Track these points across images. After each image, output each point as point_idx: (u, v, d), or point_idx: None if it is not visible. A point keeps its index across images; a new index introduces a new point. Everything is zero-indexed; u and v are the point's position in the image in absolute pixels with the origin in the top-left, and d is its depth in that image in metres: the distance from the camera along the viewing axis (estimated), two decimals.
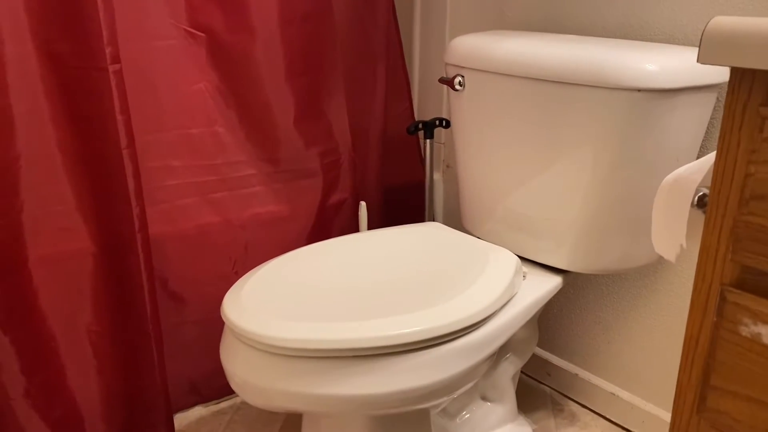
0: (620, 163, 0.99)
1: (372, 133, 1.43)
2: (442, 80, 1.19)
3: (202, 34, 1.19)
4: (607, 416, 1.31)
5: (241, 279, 0.97)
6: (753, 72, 0.50)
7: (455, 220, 1.54)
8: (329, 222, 1.39)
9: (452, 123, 1.23)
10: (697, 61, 0.51)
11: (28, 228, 1.05)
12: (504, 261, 1.02)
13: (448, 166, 1.57)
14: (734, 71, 0.52)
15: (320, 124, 1.34)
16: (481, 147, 1.16)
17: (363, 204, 1.35)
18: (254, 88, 1.25)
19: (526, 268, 1.09)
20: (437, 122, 1.41)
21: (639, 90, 0.93)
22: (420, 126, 1.40)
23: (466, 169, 1.22)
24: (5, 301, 1.01)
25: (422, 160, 1.54)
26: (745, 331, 0.53)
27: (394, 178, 1.52)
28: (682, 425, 0.61)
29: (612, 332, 1.29)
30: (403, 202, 1.54)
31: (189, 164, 1.21)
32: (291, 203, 1.34)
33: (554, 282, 1.09)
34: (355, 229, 1.41)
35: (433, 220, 1.52)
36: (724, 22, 0.50)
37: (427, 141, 1.42)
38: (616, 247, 1.06)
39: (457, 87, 1.16)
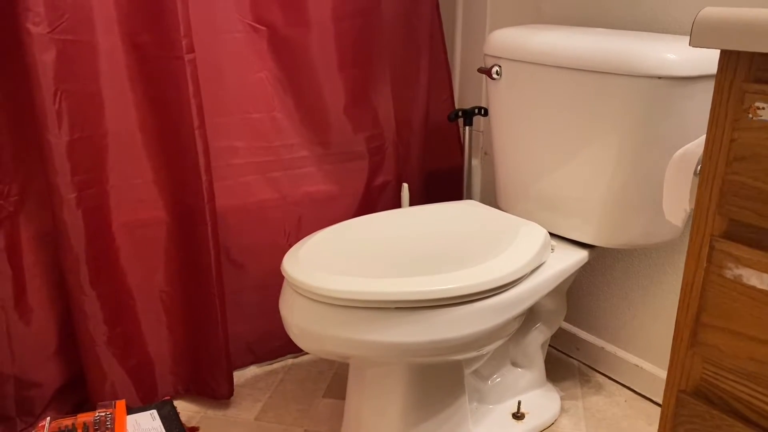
0: (643, 146, 1.08)
1: (415, 120, 1.55)
2: (481, 70, 1.30)
3: (264, 28, 1.32)
4: (632, 387, 1.40)
5: (298, 243, 1.10)
6: (737, 53, 0.60)
7: (491, 203, 1.65)
8: (374, 202, 1.51)
9: (490, 110, 1.34)
10: (690, 44, 0.61)
11: (112, 197, 1.20)
12: (533, 233, 1.13)
13: (485, 153, 1.67)
14: (723, 54, 0.62)
15: (367, 112, 1.46)
16: (516, 132, 1.27)
17: (405, 185, 1.47)
18: (309, 78, 1.38)
19: (554, 243, 1.19)
20: (476, 110, 1.52)
21: (660, 77, 1.02)
22: (460, 114, 1.51)
23: (501, 153, 1.33)
24: (94, 260, 1.16)
25: (461, 147, 1.64)
26: (729, 274, 0.63)
27: (434, 163, 1.63)
28: (679, 360, 0.70)
29: (637, 307, 1.38)
30: (442, 185, 1.65)
31: (250, 145, 1.35)
32: (339, 183, 1.46)
33: (580, 255, 1.19)
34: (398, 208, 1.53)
35: None
36: (712, 11, 0.60)
37: (467, 128, 1.53)
38: (639, 223, 1.15)
39: (495, 76, 1.27)
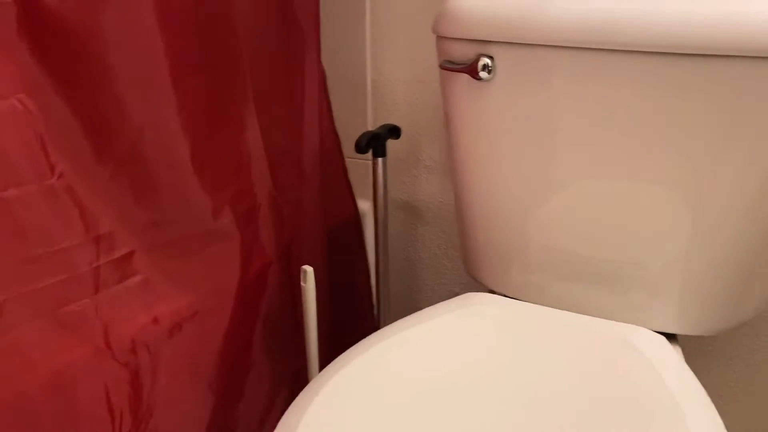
0: None
1: (305, 156, 0.93)
2: (449, 67, 0.75)
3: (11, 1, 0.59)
4: None
5: None
6: None
7: (409, 272, 1.12)
8: (253, 307, 0.87)
9: (458, 128, 0.80)
10: None
11: None
12: (666, 359, 0.63)
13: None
14: None
15: (227, 151, 0.81)
16: (521, 161, 0.76)
17: (309, 270, 0.86)
18: (113, 98, 0.68)
19: None
20: (390, 133, 0.96)
21: None
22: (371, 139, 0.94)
23: (484, 193, 0.80)
24: None
25: (351, 190, 1.07)
26: None
27: (330, 222, 1.03)
28: None
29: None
30: (340, 255, 1.06)
31: (5, 256, 0.60)
32: (196, 290, 0.78)
33: (675, 355, 0.73)
34: (291, 310, 0.91)
35: (387, 275, 1.06)
36: None
37: (379, 160, 0.97)
38: (758, 291, 0.73)
39: (483, 75, 0.73)
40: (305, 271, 0.86)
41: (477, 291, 1.04)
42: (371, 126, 1.08)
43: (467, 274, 1.08)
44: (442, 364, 0.65)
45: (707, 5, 0.63)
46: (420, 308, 1.14)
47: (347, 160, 1.05)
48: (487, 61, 0.73)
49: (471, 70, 0.73)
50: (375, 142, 0.93)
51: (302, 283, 0.86)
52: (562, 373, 0.64)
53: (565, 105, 0.71)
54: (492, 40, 0.72)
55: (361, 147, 0.91)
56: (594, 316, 0.77)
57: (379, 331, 0.71)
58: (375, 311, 1.12)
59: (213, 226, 0.80)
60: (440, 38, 0.78)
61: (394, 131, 0.97)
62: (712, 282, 0.72)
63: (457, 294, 1.11)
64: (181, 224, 0.76)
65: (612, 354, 0.66)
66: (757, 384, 0.95)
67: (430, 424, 0.57)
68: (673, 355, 0.65)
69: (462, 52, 0.75)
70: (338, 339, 1.06)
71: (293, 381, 0.96)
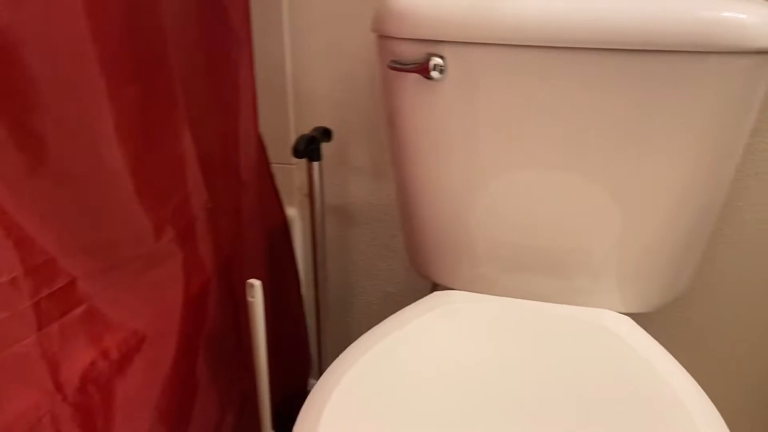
0: (723, 157, 0.72)
1: (242, 162, 0.88)
2: (397, 67, 0.75)
3: None
4: None
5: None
6: None
7: (341, 275, 1.10)
8: (198, 327, 0.81)
9: (404, 127, 0.80)
10: None
11: None
12: (646, 344, 0.67)
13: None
14: None
15: (165, 167, 0.75)
16: (472, 156, 0.77)
17: (257, 284, 0.82)
18: (44, 111, 0.61)
19: None
20: (324, 135, 0.94)
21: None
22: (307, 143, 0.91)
23: (433, 189, 0.81)
24: None
25: (278, 196, 1.03)
26: None
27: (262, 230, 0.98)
28: None
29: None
30: (274, 264, 1.01)
31: None
32: (142, 316, 0.72)
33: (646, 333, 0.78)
34: (234, 327, 0.87)
35: (325, 282, 1.04)
36: None
37: (314, 164, 0.94)
38: (690, 266, 0.80)
39: (435, 75, 0.73)
40: (252, 285, 0.81)
41: (413, 290, 1.05)
42: (294, 129, 1.05)
43: (403, 274, 1.09)
44: (438, 366, 0.64)
45: (655, 3, 0.67)
46: (354, 311, 1.13)
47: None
48: (438, 61, 0.73)
49: (422, 70, 0.73)
50: (311, 145, 0.91)
51: (249, 298, 0.82)
52: (558, 364, 0.66)
53: (514, 102, 0.73)
54: (442, 39, 0.73)
55: (299, 151, 0.88)
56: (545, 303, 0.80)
57: (358, 341, 0.69)
58: (315, 318, 1.09)
59: (155, 246, 0.73)
60: (384, 38, 0.77)
61: (326, 134, 0.95)
62: (649, 263, 0.77)
63: (391, 294, 1.11)
64: (123, 246, 0.69)
65: (594, 340, 0.69)
66: (693, 353, 1.03)
67: (448, 427, 0.57)
68: (644, 335, 0.69)
69: (410, 52, 0.74)
70: (271, 352, 1.02)
71: (240, 399, 0.91)
